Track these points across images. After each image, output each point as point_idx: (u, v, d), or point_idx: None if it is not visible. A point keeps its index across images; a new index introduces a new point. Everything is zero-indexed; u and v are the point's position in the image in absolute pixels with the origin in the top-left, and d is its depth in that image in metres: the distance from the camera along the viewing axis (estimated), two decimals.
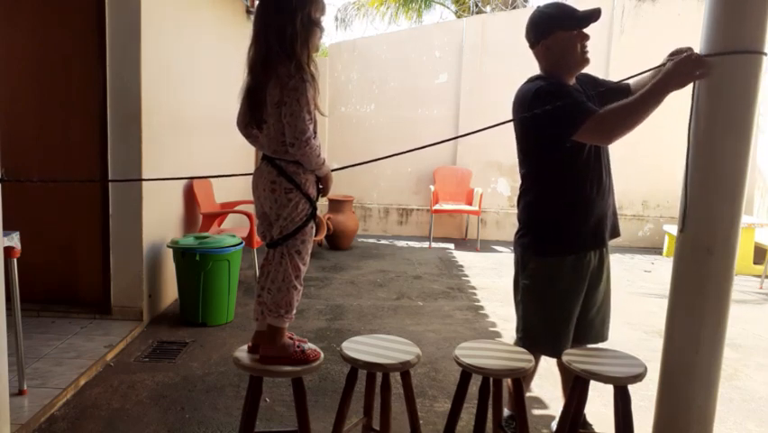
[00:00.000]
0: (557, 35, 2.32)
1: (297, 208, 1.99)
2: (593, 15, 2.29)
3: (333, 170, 2.13)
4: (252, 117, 2.02)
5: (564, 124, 2.18)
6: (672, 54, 2.10)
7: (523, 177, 2.48)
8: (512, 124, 2.45)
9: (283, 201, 1.98)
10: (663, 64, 2.08)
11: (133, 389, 3.09)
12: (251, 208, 5.40)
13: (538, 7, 2.43)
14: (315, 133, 1.94)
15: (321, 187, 2.09)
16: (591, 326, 2.49)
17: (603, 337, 2.54)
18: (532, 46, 2.43)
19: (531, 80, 2.41)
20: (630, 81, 2.43)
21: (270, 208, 2.01)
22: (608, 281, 2.54)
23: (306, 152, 1.93)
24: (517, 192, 2.52)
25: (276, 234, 2.02)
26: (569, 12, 2.34)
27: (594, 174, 2.34)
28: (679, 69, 1.93)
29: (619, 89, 2.43)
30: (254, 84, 1.99)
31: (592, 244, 2.39)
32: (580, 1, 2.42)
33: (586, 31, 2.33)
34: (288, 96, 1.90)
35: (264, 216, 2.07)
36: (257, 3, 2.20)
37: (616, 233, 2.50)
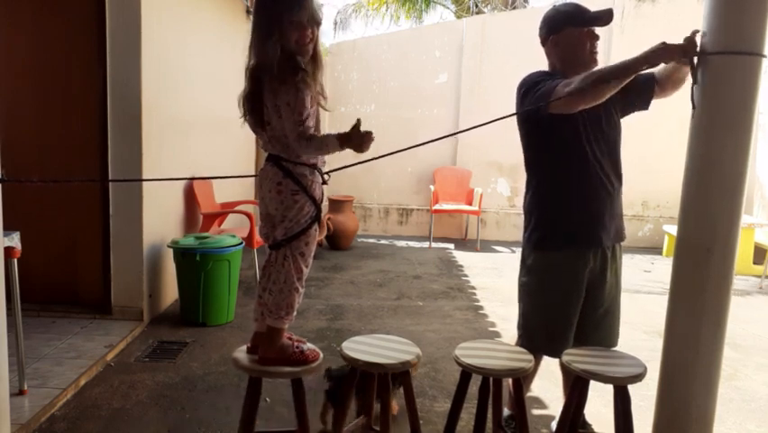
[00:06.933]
0: (567, 31, 2.35)
1: (303, 210, 2.00)
2: (604, 16, 2.30)
3: (333, 171, 2.14)
4: (255, 121, 2.03)
5: (539, 99, 2.21)
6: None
7: (526, 172, 2.50)
8: (515, 121, 2.46)
9: (289, 203, 1.99)
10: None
11: (134, 389, 3.09)
12: (251, 208, 5.40)
13: (554, 5, 2.46)
14: (314, 128, 1.95)
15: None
16: (598, 328, 2.46)
17: (611, 343, 2.49)
18: (543, 42, 2.45)
19: (530, 74, 2.42)
20: (655, 70, 2.29)
21: (276, 210, 2.01)
22: (617, 286, 2.50)
23: (308, 153, 1.96)
24: (517, 192, 2.53)
25: (280, 235, 2.02)
26: (581, 10, 2.36)
27: (595, 173, 2.33)
28: (658, 50, 1.96)
29: (644, 80, 2.35)
30: (250, 90, 2.01)
31: (588, 243, 2.38)
32: (584, 1, 2.42)
33: (596, 32, 2.34)
34: (279, 100, 1.92)
35: (268, 216, 2.07)
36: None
37: (620, 237, 2.48)
